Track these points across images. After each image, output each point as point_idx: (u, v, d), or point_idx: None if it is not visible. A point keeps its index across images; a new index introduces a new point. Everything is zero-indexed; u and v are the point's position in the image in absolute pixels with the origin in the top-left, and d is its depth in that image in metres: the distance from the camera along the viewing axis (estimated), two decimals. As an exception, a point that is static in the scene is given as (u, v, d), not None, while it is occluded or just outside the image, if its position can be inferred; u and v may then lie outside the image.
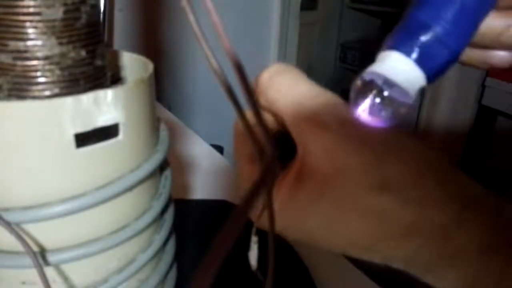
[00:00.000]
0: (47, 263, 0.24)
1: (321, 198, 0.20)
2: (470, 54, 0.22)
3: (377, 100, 0.20)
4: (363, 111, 0.20)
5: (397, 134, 0.20)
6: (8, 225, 0.23)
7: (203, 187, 0.59)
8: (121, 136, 0.25)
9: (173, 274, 0.36)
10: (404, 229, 0.19)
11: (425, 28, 0.20)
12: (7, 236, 0.23)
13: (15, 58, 0.23)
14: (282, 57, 1.89)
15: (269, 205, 0.17)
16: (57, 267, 0.26)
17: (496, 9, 0.20)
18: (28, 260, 0.23)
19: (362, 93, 0.20)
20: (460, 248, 0.18)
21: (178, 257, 0.37)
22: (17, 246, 0.23)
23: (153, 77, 0.28)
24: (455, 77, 1.77)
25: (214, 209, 0.52)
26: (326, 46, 2.23)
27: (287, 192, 0.21)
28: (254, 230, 0.24)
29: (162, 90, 1.49)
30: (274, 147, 0.16)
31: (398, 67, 0.20)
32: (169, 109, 0.93)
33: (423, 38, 0.20)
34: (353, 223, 0.19)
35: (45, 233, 0.25)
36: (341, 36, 2.29)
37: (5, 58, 0.23)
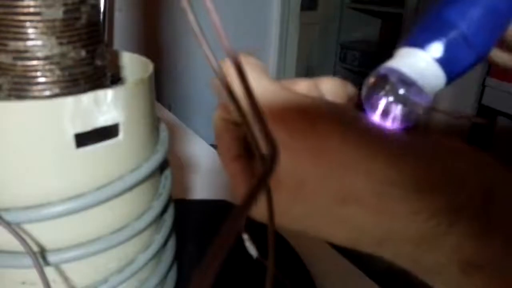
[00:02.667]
0: (47, 263, 0.25)
1: (294, 207, 0.19)
2: (505, 57, 0.22)
3: (391, 98, 0.19)
4: (374, 109, 0.19)
5: (356, 141, 0.18)
6: (8, 225, 0.23)
7: (203, 187, 0.59)
8: (121, 136, 0.25)
9: (173, 274, 0.36)
10: (376, 240, 0.18)
11: (451, 27, 0.19)
12: (7, 236, 0.23)
13: (15, 58, 0.23)
14: (282, 57, 1.89)
15: (268, 205, 0.17)
16: (57, 267, 0.26)
17: None
18: (28, 260, 0.23)
19: (375, 90, 0.19)
20: (434, 266, 0.17)
21: (178, 257, 0.37)
22: (17, 246, 0.23)
23: (153, 77, 0.28)
24: (455, 77, 1.76)
25: (214, 209, 0.52)
26: (326, 46, 2.23)
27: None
28: (242, 226, 0.23)
29: (162, 90, 1.49)
30: (273, 147, 0.16)
31: (419, 65, 0.19)
32: (169, 109, 0.94)
33: (449, 36, 0.18)
34: (327, 231, 0.19)
35: (45, 233, 0.25)
36: (341, 36, 2.29)
37: (5, 58, 0.23)
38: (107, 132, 0.25)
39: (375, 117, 0.19)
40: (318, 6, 2.08)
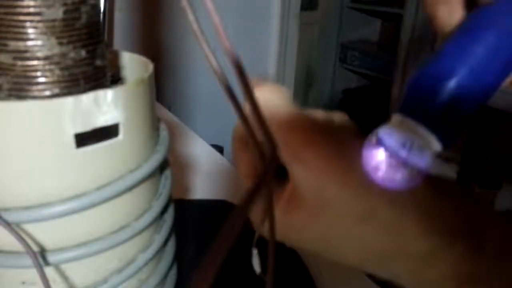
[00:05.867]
0: (47, 263, 0.25)
1: (310, 226, 0.21)
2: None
3: (391, 160, 0.19)
4: (377, 171, 0.19)
5: None
6: (8, 225, 0.23)
7: (203, 187, 0.59)
8: (121, 136, 0.25)
9: (173, 274, 0.36)
10: (384, 256, 0.20)
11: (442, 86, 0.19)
12: (7, 236, 0.23)
13: (15, 58, 0.23)
14: (282, 57, 1.89)
15: (269, 206, 0.17)
16: (57, 267, 0.26)
17: None
18: (28, 260, 0.23)
19: (375, 153, 0.20)
20: (436, 279, 0.19)
21: (178, 257, 0.37)
22: (17, 246, 0.23)
23: (153, 77, 0.28)
24: (455, 77, 1.76)
25: (214, 209, 0.52)
26: (326, 46, 2.23)
27: (281, 212, 0.21)
28: (255, 241, 0.24)
29: (162, 90, 1.49)
30: (273, 147, 0.16)
31: (411, 133, 0.19)
32: (169, 109, 0.93)
33: (438, 101, 0.19)
34: (340, 249, 0.21)
35: (45, 233, 0.25)
36: (341, 36, 2.28)
37: (5, 58, 0.23)
38: (107, 132, 0.25)
39: (378, 178, 0.20)
40: (318, 6, 2.08)
